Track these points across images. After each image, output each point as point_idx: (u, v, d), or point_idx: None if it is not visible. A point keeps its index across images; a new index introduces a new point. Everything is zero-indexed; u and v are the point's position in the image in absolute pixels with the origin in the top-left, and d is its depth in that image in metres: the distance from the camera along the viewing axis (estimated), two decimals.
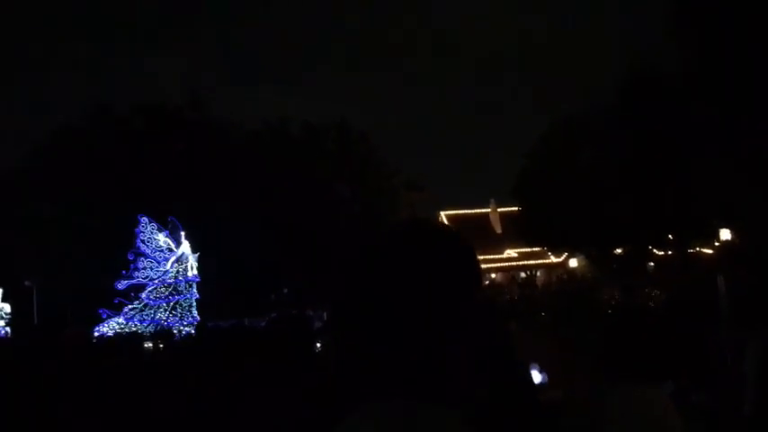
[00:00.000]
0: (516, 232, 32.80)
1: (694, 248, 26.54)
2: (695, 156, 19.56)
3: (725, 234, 20.87)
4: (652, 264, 28.78)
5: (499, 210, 39.43)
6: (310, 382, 2.54)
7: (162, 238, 23.34)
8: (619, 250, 28.54)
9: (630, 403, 1.98)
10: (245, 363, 4.45)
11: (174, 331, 15.69)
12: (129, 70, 75.36)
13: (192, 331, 17.97)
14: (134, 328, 20.38)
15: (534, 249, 34.35)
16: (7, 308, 25.67)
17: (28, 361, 4.36)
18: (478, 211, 41.20)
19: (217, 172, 35.30)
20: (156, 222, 23.58)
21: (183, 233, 23.49)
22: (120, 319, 22.47)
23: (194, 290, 23.06)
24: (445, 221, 41.81)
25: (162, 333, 13.41)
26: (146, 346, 10.01)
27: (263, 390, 2.73)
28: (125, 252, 28.48)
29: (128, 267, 23.72)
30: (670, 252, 27.32)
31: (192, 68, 79.94)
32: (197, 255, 23.44)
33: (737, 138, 17.81)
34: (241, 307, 25.46)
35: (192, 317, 22.32)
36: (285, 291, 31.32)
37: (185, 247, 23.28)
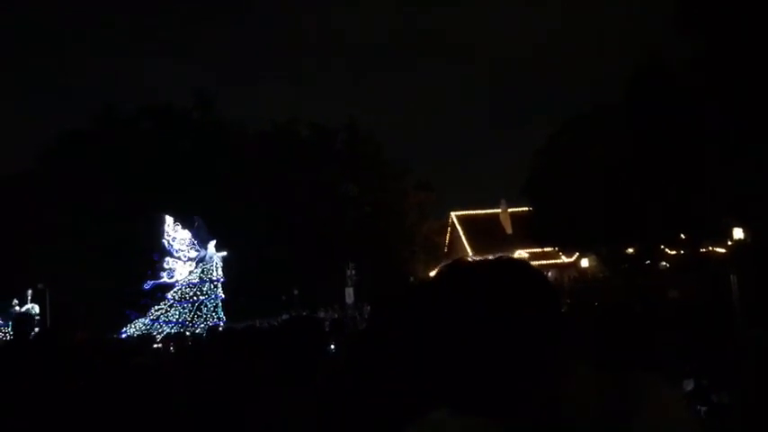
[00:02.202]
0: (527, 233, 32.68)
1: (706, 248, 26.33)
2: (706, 151, 19.41)
3: (738, 233, 20.67)
4: (664, 263, 28.59)
5: (510, 210, 39.26)
6: (323, 385, 2.56)
7: (186, 238, 23.11)
8: (630, 250, 28.37)
9: (649, 394, 1.99)
10: (257, 365, 4.47)
11: (187, 333, 15.68)
12: (136, 72, 75.93)
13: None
14: (159, 330, 20.26)
15: (545, 250, 34.20)
16: (36, 308, 25.77)
17: (32, 364, 4.40)
18: (489, 211, 41.06)
19: (225, 173, 35.43)
20: (180, 222, 23.37)
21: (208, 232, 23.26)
22: (146, 320, 22.32)
23: (219, 291, 22.77)
24: (456, 222, 41.74)
25: (174, 336, 13.43)
26: (156, 348, 10.05)
27: (274, 392, 2.75)
28: (137, 253, 28.53)
29: (152, 267, 23.60)
30: (682, 251, 27.13)
31: (199, 69, 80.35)
32: (222, 254, 23.12)
33: (750, 131, 17.64)
34: (251, 308, 25.47)
35: (218, 318, 22.06)
36: (295, 292, 31.35)
37: (211, 246, 23.01)
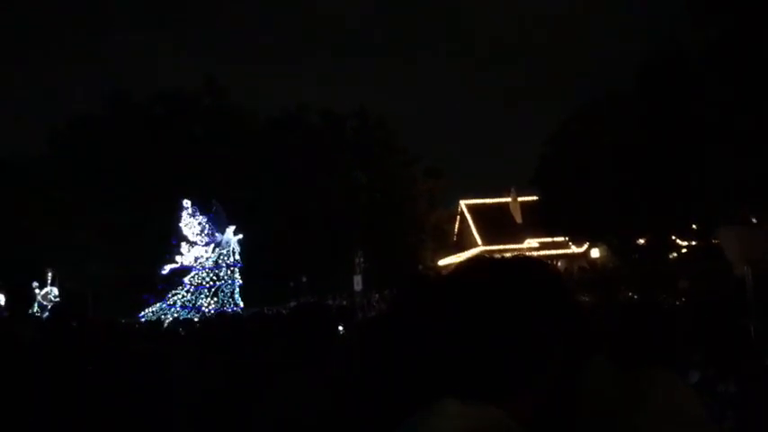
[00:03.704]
0: (537, 222, 32.59)
1: (718, 238, 26.15)
2: (719, 140, 19.24)
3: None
4: (675, 254, 28.45)
5: (520, 199, 39.13)
6: (332, 371, 2.52)
7: (199, 223, 23.13)
8: (641, 240, 28.24)
9: (662, 390, 1.96)
10: (265, 352, 4.45)
11: (195, 319, 15.72)
12: (148, 58, 75.99)
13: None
14: (176, 315, 20.34)
15: (555, 239, 34.09)
16: (55, 291, 25.95)
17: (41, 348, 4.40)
18: (499, 200, 40.93)
19: (235, 158, 35.48)
20: (198, 206, 23.42)
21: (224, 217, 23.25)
22: (163, 305, 22.38)
23: (237, 276, 22.74)
24: (465, 211, 41.63)
25: (183, 320, 13.47)
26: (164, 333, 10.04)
27: (282, 378, 2.72)
28: (151, 238, 28.56)
29: (169, 252, 23.67)
30: (694, 242, 26.97)
31: (211, 56, 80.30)
32: (238, 237, 23.08)
33: (762, 120, 17.48)
34: (259, 295, 25.52)
35: (235, 303, 22.04)
36: (304, 279, 31.41)
37: (228, 231, 22.98)
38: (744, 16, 17.29)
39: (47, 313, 23.55)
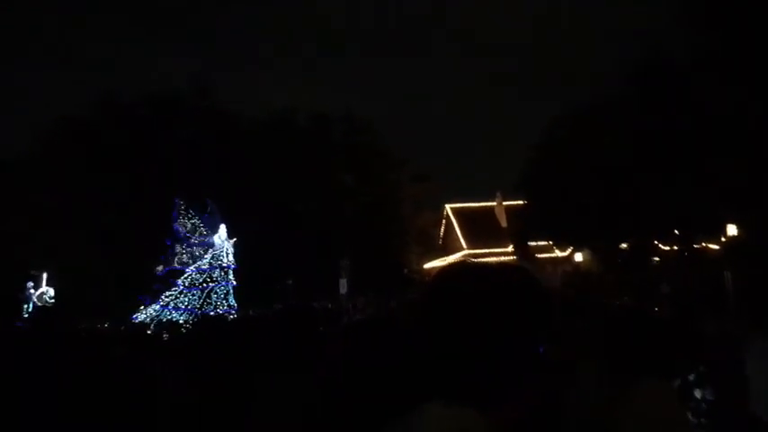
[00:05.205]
0: (522, 226, 32.73)
1: (700, 244, 26.43)
2: (704, 148, 19.41)
3: (731, 230, 20.74)
4: (657, 258, 28.70)
5: (505, 203, 39.32)
6: (319, 374, 2.54)
7: (195, 223, 22.93)
8: (624, 245, 28.46)
9: (648, 397, 2.01)
10: (250, 354, 4.45)
11: (181, 321, 15.63)
12: (134, 59, 75.52)
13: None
14: (169, 316, 20.13)
15: (539, 243, 34.29)
16: (51, 292, 25.64)
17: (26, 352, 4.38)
18: (484, 204, 41.10)
19: (221, 161, 35.29)
20: (190, 207, 23.24)
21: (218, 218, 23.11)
22: (157, 307, 22.14)
23: (231, 277, 22.53)
24: (450, 214, 41.76)
25: (168, 323, 13.40)
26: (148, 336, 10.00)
27: (269, 381, 2.74)
28: (140, 239, 28.26)
29: (164, 253, 23.42)
30: (675, 247, 27.23)
31: (197, 56, 79.85)
32: (233, 240, 22.92)
33: (749, 127, 17.65)
34: (245, 298, 25.39)
35: (228, 305, 21.81)
36: (289, 282, 31.29)
37: (222, 232, 22.77)
38: (743, 28, 17.41)
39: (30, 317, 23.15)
